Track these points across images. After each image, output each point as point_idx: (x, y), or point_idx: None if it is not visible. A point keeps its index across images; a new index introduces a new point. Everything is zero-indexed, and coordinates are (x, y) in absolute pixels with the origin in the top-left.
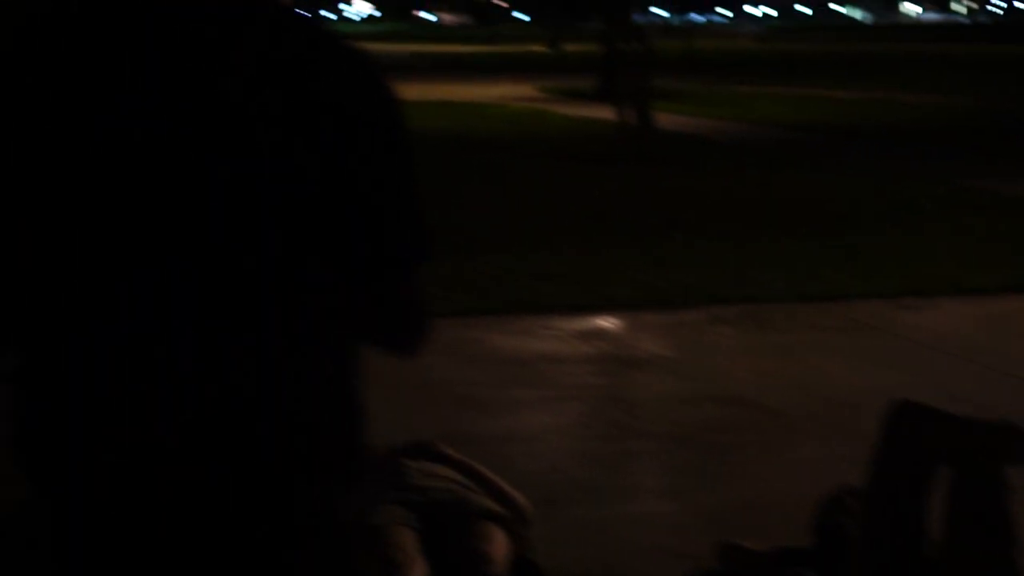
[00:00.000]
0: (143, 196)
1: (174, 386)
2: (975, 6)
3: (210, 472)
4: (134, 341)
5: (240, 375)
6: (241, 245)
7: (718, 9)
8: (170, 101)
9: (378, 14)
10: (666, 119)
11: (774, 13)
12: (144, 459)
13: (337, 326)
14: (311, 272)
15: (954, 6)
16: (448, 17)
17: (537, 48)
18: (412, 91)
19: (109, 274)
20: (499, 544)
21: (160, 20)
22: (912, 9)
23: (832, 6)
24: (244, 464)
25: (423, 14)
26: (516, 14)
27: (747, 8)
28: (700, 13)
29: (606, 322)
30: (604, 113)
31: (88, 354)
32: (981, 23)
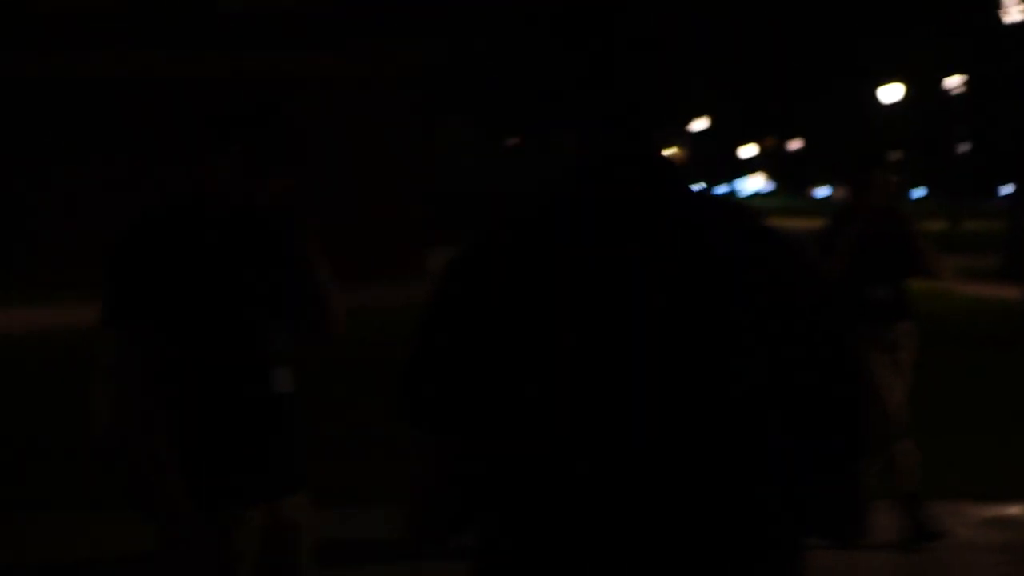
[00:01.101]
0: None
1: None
2: None
3: None
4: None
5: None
6: (710, 448)
7: None
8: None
9: (771, 189)
10: None
11: None
12: None
13: (790, 522)
14: (774, 468)
15: None
16: (842, 192)
17: (935, 224)
18: None
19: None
20: None
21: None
22: None
23: None
24: None
25: (819, 190)
26: (913, 189)
27: None
28: None
29: (1017, 509)
30: (1010, 293)
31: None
32: None
